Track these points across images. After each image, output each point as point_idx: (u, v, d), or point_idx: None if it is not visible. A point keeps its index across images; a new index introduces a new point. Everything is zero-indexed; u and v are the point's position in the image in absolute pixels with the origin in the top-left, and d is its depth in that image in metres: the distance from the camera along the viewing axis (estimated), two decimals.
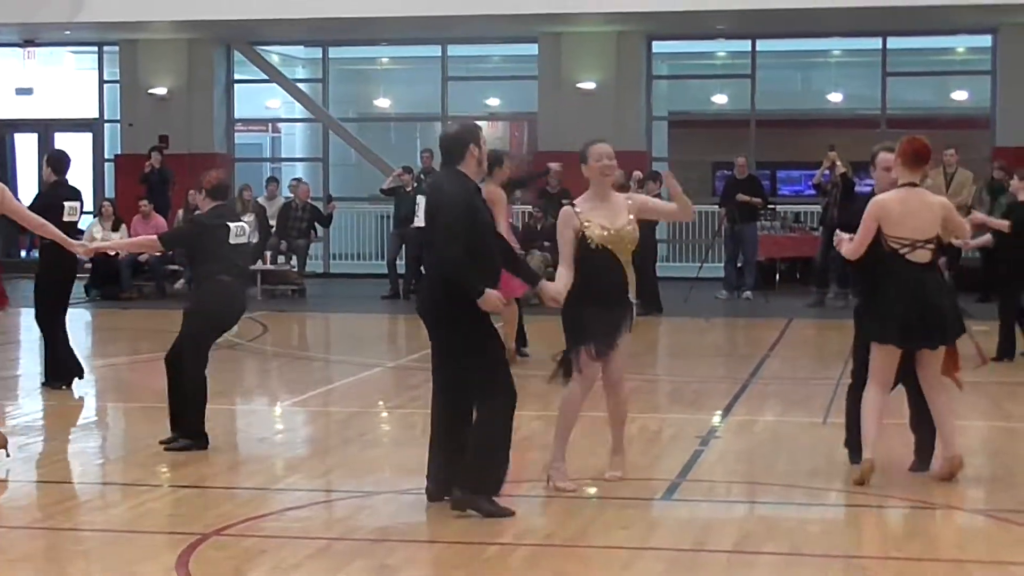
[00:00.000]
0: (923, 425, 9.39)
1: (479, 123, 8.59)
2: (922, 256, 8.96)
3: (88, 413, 12.70)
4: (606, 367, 8.94)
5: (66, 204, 12.77)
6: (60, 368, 12.99)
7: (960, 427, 10.84)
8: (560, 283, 8.66)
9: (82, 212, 13.20)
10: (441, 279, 8.15)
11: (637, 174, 20.82)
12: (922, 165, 9.09)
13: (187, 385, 10.17)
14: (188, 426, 10.18)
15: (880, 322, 9.04)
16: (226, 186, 10.67)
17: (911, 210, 8.93)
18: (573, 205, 8.90)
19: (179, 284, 22.81)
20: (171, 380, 10.25)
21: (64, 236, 10.74)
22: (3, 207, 10.15)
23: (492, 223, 8.47)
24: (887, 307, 8.97)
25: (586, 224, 8.76)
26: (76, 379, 13.03)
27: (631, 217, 8.91)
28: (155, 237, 10.74)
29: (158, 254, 22.58)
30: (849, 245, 9.09)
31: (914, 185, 9.03)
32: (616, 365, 9.02)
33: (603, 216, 8.84)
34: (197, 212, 10.60)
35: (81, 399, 12.92)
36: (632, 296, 8.96)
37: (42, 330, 13.07)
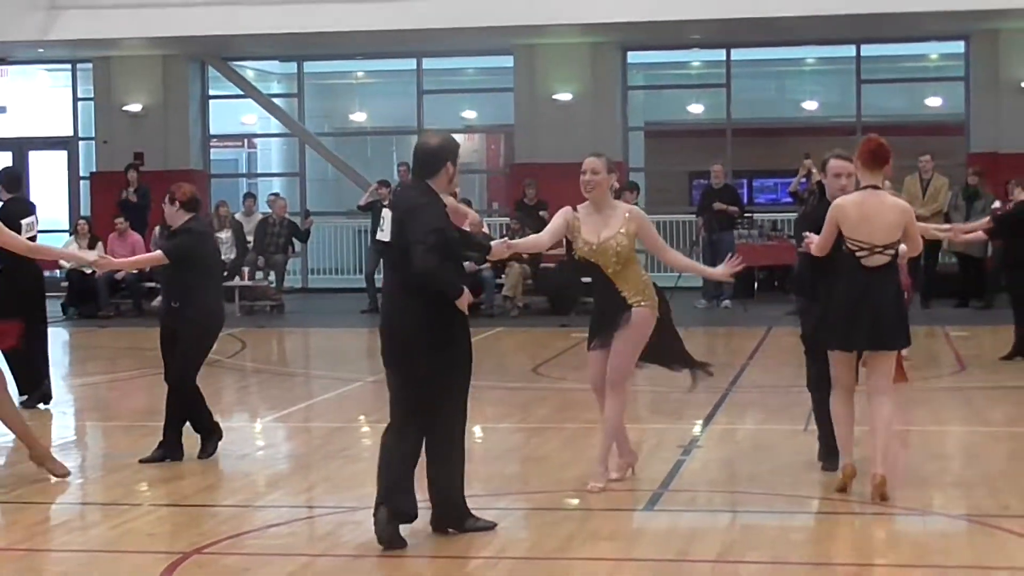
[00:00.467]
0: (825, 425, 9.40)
1: (456, 137, 8.34)
2: (877, 261, 8.85)
3: (66, 432, 12.63)
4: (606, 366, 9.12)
5: (23, 222, 12.66)
6: (32, 386, 12.90)
7: (940, 432, 10.90)
8: (521, 241, 9.28)
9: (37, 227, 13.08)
10: (421, 300, 7.78)
11: (615, 185, 20.77)
12: (882, 165, 9.03)
13: (180, 398, 10.36)
14: (168, 439, 10.41)
15: (825, 326, 9.03)
16: (199, 199, 10.73)
17: (867, 214, 8.83)
18: (575, 208, 8.97)
19: (156, 302, 22.71)
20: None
21: (77, 253, 10.76)
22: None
23: (459, 239, 8.09)
24: (833, 310, 8.92)
25: (575, 234, 8.86)
26: (42, 403, 12.94)
27: (622, 231, 8.91)
28: (160, 253, 10.68)
29: (135, 272, 22.59)
30: (814, 245, 9.07)
31: (876, 188, 8.98)
32: (611, 364, 9.01)
33: (591, 228, 8.89)
34: (185, 224, 10.53)
35: (58, 418, 12.85)
36: (632, 299, 9.06)
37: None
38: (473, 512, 8.09)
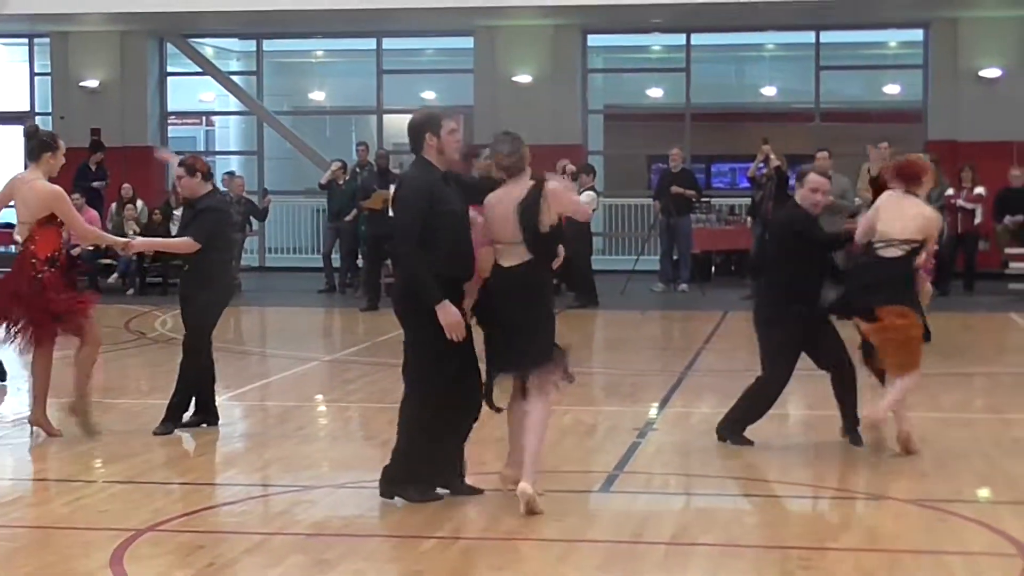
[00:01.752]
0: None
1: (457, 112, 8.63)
2: (891, 252, 9.60)
3: (21, 408, 12.55)
4: None
5: None
6: None
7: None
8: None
9: None
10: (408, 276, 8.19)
11: (566, 164, 20.82)
12: (916, 183, 9.82)
13: (201, 368, 10.68)
14: (205, 406, 10.82)
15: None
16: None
17: (901, 213, 9.67)
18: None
19: (112, 279, 22.62)
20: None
21: (106, 235, 10.82)
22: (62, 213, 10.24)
23: (460, 211, 8.19)
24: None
25: None
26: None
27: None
28: (188, 239, 10.56)
29: (90, 248, 22.46)
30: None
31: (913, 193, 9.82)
32: None
33: None
34: (206, 200, 10.62)
35: (13, 394, 12.79)
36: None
37: None
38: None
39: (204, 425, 10.75)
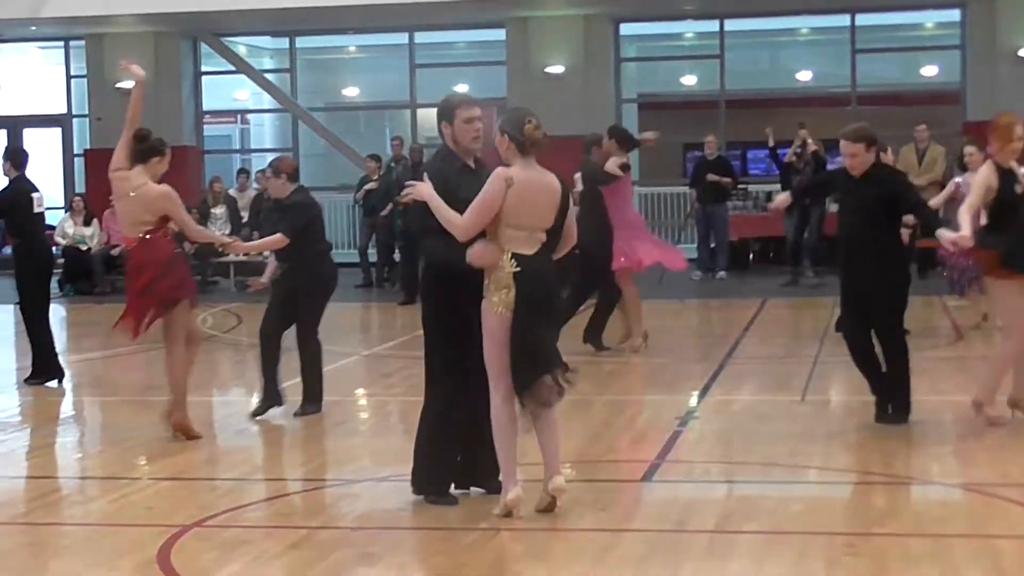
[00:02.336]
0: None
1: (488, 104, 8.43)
2: None
3: (66, 408, 12.64)
4: None
5: (34, 196, 12.79)
6: (40, 367, 12.96)
7: (939, 401, 10.91)
8: None
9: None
10: (427, 264, 8.13)
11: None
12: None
13: (310, 353, 11.10)
14: (310, 392, 11.15)
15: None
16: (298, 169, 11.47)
17: None
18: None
19: None
20: (268, 352, 11.08)
21: (217, 235, 11.02)
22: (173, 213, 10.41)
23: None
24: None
25: None
26: (56, 381, 12.96)
27: None
28: (279, 235, 10.92)
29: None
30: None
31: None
32: None
33: None
34: (294, 197, 11.02)
35: (58, 394, 12.86)
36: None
37: (27, 327, 13.05)
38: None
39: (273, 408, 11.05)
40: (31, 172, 13.26)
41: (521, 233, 7.59)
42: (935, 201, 14.82)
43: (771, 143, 20.72)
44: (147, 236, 10.27)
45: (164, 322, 10.32)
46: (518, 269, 7.54)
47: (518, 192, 7.53)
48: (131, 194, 10.41)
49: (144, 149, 10.66)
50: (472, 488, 8.24)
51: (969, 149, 14.61)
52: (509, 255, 7.55)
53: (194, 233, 10.98)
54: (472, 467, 8.21)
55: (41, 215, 12.99)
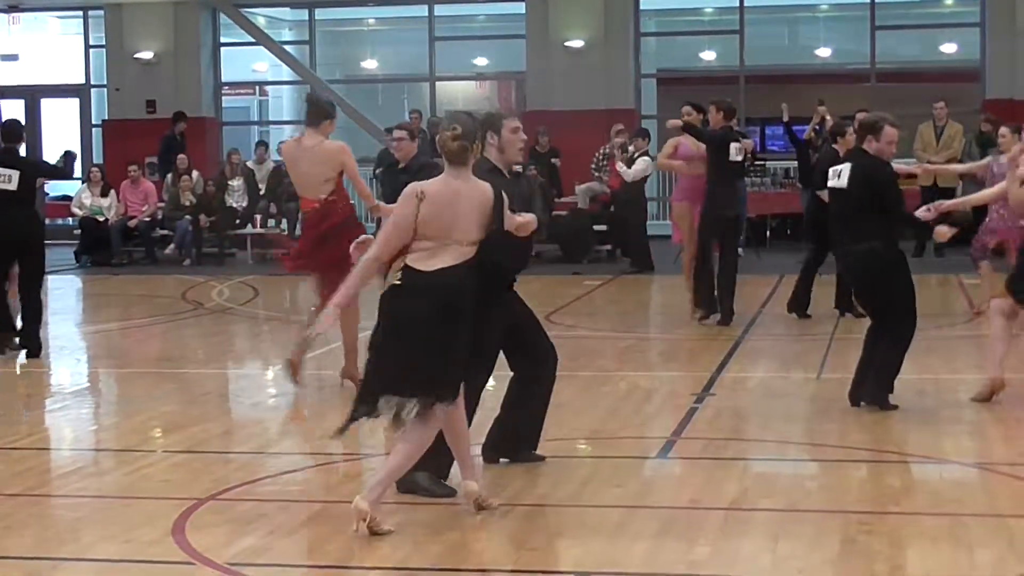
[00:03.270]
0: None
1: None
2: None
3: (80, 379, 12.67)
4: None
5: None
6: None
7: (954, 379, 10.90)
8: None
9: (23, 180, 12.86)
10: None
11: (620, 128, 20.89)
12: None
13: None
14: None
15: None
16: None
17: None
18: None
19: (169, 249, 22.73)
20: None
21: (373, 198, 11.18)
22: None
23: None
24: None
25: None
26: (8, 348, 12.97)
27: None
28: None
29: (147, 219, 22.64)
30: None
31: None
32: None
33: None
34: (420, 160, 11.25)
35: (71, 365, 12.89)
36: None
37: None
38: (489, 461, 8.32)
39: None
40: (47, 143, 13.18)
41: (426, 244, 7.17)
42: (963, 168, 14.85)
43: (786, 118, 20.62)
44: (328, 199, 10.71)
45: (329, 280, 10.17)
46: (398, 283, 7.24)
47: (430, 203, 7.15)
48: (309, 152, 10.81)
49: (315, 112, 10.97)
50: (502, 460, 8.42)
51: (1003, 131, 14.23)
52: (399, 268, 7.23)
53: (363, 190, 11.20)
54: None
55: (7, 192, 12.75)
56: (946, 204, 10.32)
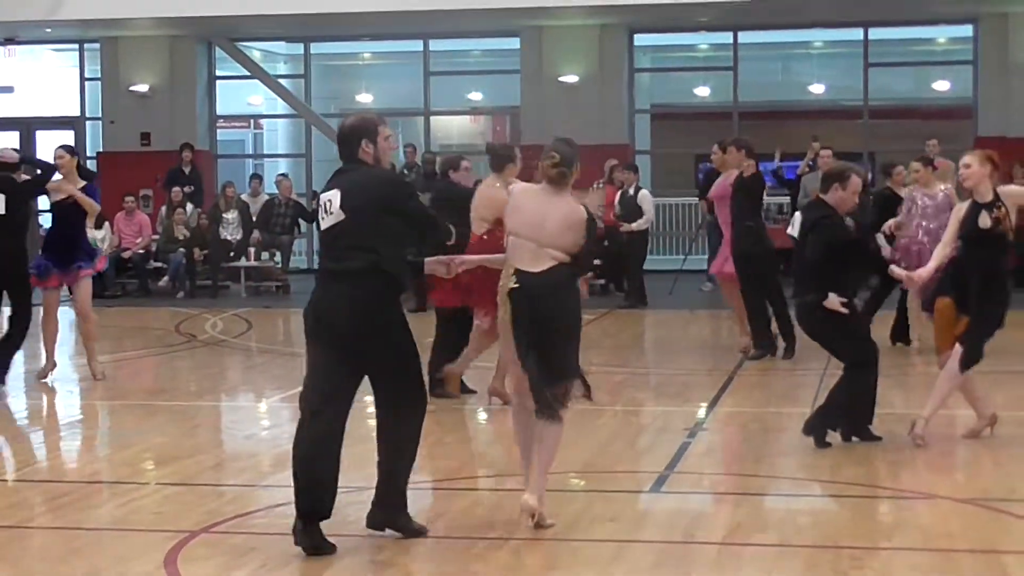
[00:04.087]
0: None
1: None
2: None
3: (73, 411, 12.66)
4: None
5: None
6: None
7: (950, 415, 10.89)
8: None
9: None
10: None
11: (614, 163, 21.03)
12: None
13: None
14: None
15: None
16: None
17: None
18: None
19: (162, 282, 22.75)
20: None
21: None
22: None
23: None
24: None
25: None
26: None
27: None
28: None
29: (140, 251, 22.65)
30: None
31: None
32: None
33: None
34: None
35: (66, 396, 12.89)
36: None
37: None
38: (484, 491, 8.19)
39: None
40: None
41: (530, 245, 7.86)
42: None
43: (777, 162, 20.69)
44: (484, 236, 10.93)
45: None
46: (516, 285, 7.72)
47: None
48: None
49: (497, 159, 11.34)
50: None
51: (915, 165, 15.38)
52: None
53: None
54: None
55: None
56: (924, 274, 10.40)
